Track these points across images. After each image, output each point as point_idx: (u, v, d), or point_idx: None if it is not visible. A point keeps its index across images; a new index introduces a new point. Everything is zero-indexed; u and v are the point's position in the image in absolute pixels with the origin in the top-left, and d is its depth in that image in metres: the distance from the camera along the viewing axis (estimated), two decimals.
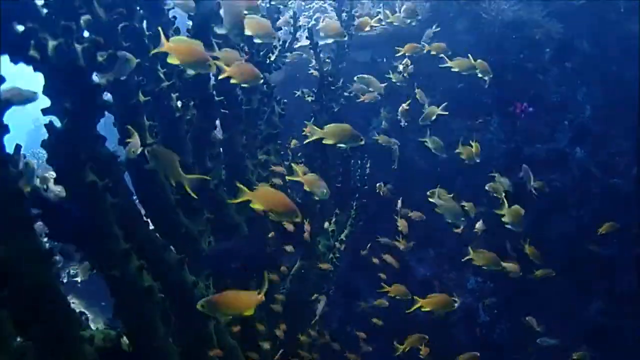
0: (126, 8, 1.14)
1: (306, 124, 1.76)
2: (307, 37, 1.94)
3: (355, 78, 2.30)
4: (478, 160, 2.23)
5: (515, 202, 2.37)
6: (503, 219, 2.12)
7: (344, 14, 2.15)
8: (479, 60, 2.40)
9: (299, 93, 2.17)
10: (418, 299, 1.91)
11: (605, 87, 3.38)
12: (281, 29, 2.05)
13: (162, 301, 1.14)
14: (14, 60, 0.87)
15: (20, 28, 0.84)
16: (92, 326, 1.20)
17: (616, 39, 3.37)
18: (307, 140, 1.63)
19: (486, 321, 3.31)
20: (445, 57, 2.32)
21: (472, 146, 2.43)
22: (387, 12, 2.59)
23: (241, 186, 1.19)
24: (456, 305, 2.02)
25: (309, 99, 2.06)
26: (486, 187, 2.54)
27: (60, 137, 0.93)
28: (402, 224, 2.38)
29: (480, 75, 2.42)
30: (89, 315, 1.22)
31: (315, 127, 1.60)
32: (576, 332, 3.23)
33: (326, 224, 2.10)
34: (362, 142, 1.63)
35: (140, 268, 1.10)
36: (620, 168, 3.30)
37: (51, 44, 0.85)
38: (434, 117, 2.48)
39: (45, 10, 0.90)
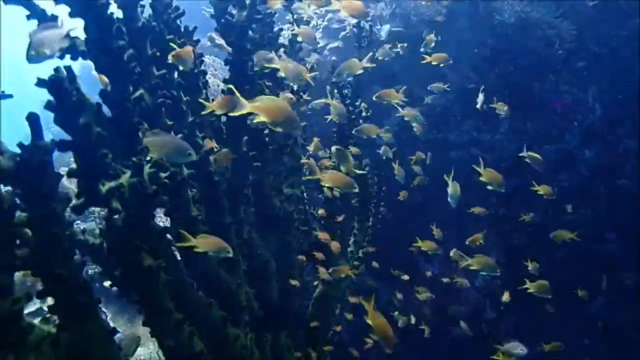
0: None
1: None
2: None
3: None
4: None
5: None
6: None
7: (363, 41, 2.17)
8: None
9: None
10: None
11: (616, 88, 3.41)
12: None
13: None
14: None
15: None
16: None
17: (628, 40, 3.37)
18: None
19: (492, 317, 3.45)
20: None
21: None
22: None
23: None
24: None
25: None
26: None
27: (119, 232, 1.00)
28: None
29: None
30: None
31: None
32: (580, 327, 3.37)
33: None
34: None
35: (191, 335, 1.19)
36: (627, 169, 3.36)
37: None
38: None
39: None
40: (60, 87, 0.85)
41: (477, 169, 2.17)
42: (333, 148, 1.94)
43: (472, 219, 3.17)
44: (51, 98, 0.86)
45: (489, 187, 2.16)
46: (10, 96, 1.82)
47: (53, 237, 0.94)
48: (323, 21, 3.51)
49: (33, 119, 0.95)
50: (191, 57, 1.21)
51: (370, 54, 1.87)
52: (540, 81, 3.42)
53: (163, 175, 0.93)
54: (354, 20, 3.32)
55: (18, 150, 0.94)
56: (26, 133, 0.92)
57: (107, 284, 2.46)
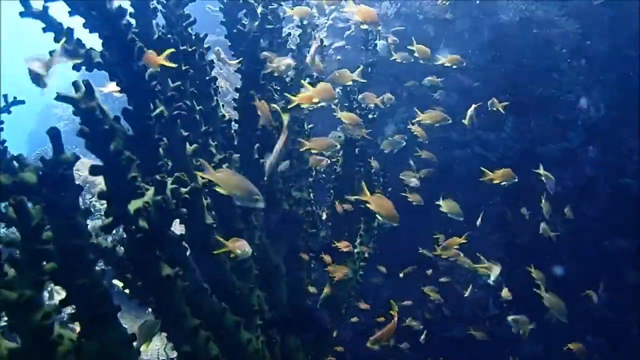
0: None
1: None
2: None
3: None
4: None
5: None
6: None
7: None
8: None
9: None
10: None
11: (620, 87, 3.42)
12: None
13: None
14: None
15: None
16: None
17: (632, 39, 3.38)
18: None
19: (495, 314, 3.49)
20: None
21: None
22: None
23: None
24: None
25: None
26: None
27: (140, 244, 1.03)
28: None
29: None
30: None
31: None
32: (582, 323, 3.40)
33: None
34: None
35: (207, 340, 1.22)
36: (631, 168, 3.38)
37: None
38: None
39: None
40: (92, 117, 0.87)
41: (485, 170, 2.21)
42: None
43: (476, 217, 3.19)
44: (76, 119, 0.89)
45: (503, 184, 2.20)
46: (23, 102, 1.85)
47: (76, 249, 0.97)
48: (328, 20, 3.52)
49: (54, 134, 0.98)
50: None
51: (361, 67, 1.89)
52: (544, 80, 3.43)
53: (184, 190, 0.96)
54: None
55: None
56: (24, 140, 0.95)
57: (115, 282, 2.47)
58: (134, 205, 0.90)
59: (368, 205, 1.61)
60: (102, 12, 0.92)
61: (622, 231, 3.41)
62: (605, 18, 3.39)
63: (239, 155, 1.55)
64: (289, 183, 1.83)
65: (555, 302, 2.23)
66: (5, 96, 1.73)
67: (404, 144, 2.79)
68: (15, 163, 0.97)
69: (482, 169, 2.28)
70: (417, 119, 2.58)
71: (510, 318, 2.57)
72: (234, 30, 1.44)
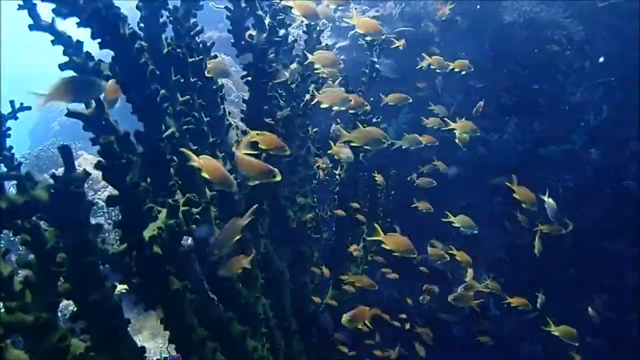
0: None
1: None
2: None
3: None
4: None
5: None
6: None
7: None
8: None
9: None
10: None
11: (623, 89, 3.42)
12: None
13: None
14: None
15: None
16: None
17: (635, 41, 3.37)
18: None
19: (496, 315, 3.51)
20: None
21: None
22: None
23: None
24: None
25: None
26: None
27: (151, 261, 1.04)
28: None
29: None
30: None
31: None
32: (582, 324, 3.43)
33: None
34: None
35: (214, 350, 1.24)
36: (633, 170, 3.39)
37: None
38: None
39: None
40: (110, 151, 0.88)
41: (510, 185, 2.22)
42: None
43: (477, 219, 3.21)
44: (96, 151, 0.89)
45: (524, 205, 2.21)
46: (29, 108, 1.86)
47: (88, 266, 0.98)
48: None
49: (65, 152, 0.99)
50: None
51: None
52: (548, 82, 3.43)
53: (195, 211, 0.97)
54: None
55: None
56: (25, 136, 0.96)
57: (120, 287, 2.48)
58: (148, 232, 0.91)
59: (384, 245, 1.64)
60: (115, 36, 0.93)
61: (623, 233, 3.42)
62: (609, 20, 3.38)
63: None
64: (294, 189, 1.84)
65: (566, 330, 2.26)
66: (12, 102, 1.73)
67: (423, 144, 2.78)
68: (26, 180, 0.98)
69: (507, 184, 2.28)
70: (449, 127, 2.60)
71: None
72: (242, 43, 1.45)
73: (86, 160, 4.39)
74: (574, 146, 3.45)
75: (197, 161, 1.11)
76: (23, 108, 1.83)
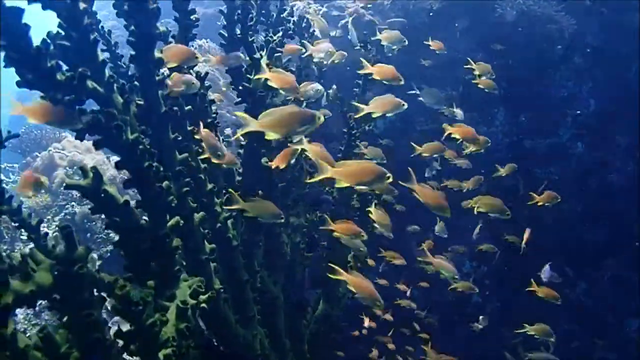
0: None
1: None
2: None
3: None
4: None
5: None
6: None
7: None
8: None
9: None
10: None
11: (611, 84, 3.44)
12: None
13: None
14: None
15: None
16: None
17: (624, 36, 3.37)
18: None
19: (478, 302, 3.63)
20: None
21: None
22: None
23: None
24: None
25: None
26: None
27: None
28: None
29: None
30: None
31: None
32: (562, 311, 3.57)
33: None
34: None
35: None
36: (617, 164, 3.46)
37: None
38: None
39: None
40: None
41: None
42: None
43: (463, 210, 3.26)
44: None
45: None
46: (17, 135, 1.84)
47: (94, 342, 1.00)
48: (322, 7, 3.42)
49: (67, 232, 0.99)
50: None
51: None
52: (538, 75, 3.43)
53: (203, 298, 0.99)
54: (357, 10, 3.28)
55: None
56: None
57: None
58: (163, 337, 0.93)
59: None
60: (117, 144, 0.92)
61: (605, 224, 3.52)
62: (601, 15, 3.36)
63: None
64: (288, 211, 1.86)
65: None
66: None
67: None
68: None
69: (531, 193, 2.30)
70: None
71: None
72: (240, 87, 1.43)
73: (70, 142, 4.31)
74: (561, 139, 3.49)
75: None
76: (11, 136, 1.80)
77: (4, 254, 1.14)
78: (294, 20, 1.80)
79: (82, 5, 1.02)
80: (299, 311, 1.89)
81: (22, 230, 1.57)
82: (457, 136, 1.97)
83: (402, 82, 1.94)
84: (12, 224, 1.69)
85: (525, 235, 2.73)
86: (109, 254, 3.35)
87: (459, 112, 2.79)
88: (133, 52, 1.10)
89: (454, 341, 3.43)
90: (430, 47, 2.63)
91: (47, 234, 1.55)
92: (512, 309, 3.53)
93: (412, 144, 2.38)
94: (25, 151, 4.39)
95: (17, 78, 0.98)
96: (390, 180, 1.35)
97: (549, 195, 2.57)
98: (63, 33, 1.04)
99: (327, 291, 2.09)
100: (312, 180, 1.20)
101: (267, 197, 1.67)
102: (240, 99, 1.57)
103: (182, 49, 1.25)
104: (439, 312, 3.51)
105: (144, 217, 0.99)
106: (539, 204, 2.55)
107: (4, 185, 1.55)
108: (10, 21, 0.86)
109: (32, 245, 1.51)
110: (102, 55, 1.05)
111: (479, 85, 2.46)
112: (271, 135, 1.14)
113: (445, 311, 3.55)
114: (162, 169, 0.96)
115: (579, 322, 3.56)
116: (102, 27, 1.57)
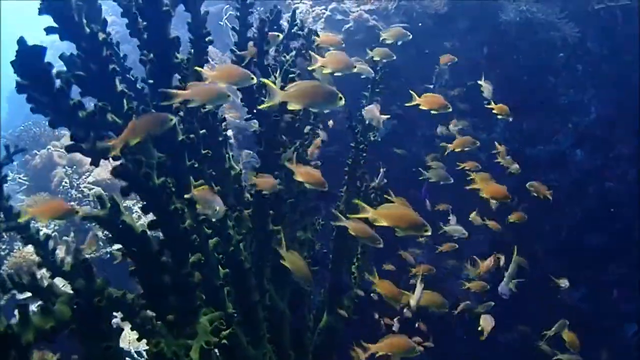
0: None
1: None
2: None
3: None
4: None
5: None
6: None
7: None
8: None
9: None
10: None
11: (613, 91, 3.46)
12: None
13: None
14: None
15: None
16: None
17: (630, 43, 3.38)
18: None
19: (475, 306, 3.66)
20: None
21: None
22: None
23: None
24: None
25: None
26: None
27: None
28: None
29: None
30: None
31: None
32: (559, 316, 3.60)
33: None
34: None
35: None
36: (617, 172, 3.48)
37: None
38: None
39: None
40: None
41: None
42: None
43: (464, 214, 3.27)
44: None
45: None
46: (24, 150, 1.84)
47: None
48: (325, 11, 3.41)
49: (85, 265, 0.99)
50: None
51: None
52: (540, 82, 3.44)
53: (224, 334, 0.99)
54: (361, 15, 3.27)
55: None
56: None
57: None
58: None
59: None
60: (144, 189, 0.92)
61: (603, 230, 3.55)
62: (604, 21, 3.37)
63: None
64: (296, 227, 1.86)
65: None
66: (7, 147, 1.71)
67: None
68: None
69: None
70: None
71: None
72: (254, 110, 1.43)
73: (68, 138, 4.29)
74: (561, 147, 3.51)
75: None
76: (18, 151, 1.80)
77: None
78: (304, 35, 1.80)
79: (101, 36, 1.01)
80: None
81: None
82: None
83: (450, 109, 1.95)
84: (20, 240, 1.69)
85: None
86: (108, 256, 3.37)
87: (487, 87, 2.75)
88: (151, 81, 1.10)
89: (454, 341, 3.47)
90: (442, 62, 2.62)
91: (55, 249, 1.54)
92: (511, 312, 3.57)
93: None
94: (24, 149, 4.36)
95: (18, 78, 0.96)
96: (429, 233, 1.38)
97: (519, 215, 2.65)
98: (79, 62, 1.04)
99: (331, 302, 2.10)
100: (356, 216, 1.26)
101: (277, 213, 1.69)
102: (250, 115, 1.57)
103: (238, 70, 1.24)
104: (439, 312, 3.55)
105: (165, 257, 0.99)
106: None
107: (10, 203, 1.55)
108: (32, 61, 0.85)
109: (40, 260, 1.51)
110: (120, 86, 1.05)
111: (494, 111, 2.45)
112: (293, 105, 1.17)
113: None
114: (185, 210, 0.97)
115: (577, 327, 3.60)
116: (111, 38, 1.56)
